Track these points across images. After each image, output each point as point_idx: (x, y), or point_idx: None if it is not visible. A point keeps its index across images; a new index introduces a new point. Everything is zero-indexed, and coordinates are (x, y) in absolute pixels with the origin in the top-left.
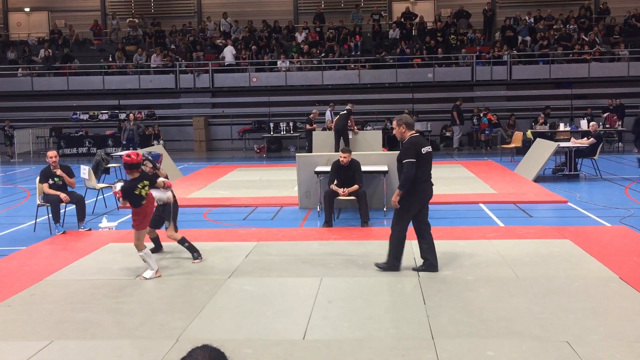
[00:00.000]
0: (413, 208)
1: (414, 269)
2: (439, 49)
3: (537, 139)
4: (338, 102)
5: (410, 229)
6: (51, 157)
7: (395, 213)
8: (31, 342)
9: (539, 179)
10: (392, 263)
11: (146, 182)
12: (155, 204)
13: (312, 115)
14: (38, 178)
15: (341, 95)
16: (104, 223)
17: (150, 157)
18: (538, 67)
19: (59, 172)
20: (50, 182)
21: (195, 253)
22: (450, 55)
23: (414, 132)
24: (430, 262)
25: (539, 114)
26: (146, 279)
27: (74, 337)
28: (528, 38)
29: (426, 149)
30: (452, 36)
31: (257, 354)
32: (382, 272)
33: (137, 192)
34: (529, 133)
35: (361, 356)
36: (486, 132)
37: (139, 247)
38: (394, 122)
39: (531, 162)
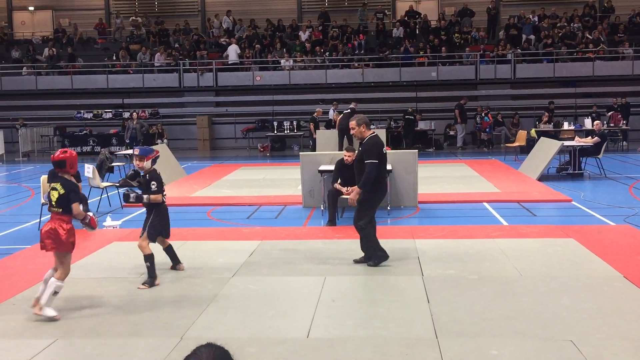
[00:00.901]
0: (376, 204)
1: (355, 261)
2: (443, 48)
3: (541, 138)
4: (342, 100)
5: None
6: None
7: (358, 210)
8: (36, 340)
9: (543, 177)
10: (379, 255)
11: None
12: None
13: (315, 114)
14: (45, 177)
15: (345, 94)
16: (108, 222)
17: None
18: (542, 65)
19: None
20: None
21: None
22: (454, 54)
23: (372, 131)
24: (367, 255)
25: (543, 113)
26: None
27: (78, 336)
28: (532, 36)
29: (384, 149)
30: (455, 35)
31: (261, 353)
32: (385, 270)
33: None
34: (533, 132)
35: (364, 355)
36: (486, 130)
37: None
38: (353, 122)
39: (535, 161)
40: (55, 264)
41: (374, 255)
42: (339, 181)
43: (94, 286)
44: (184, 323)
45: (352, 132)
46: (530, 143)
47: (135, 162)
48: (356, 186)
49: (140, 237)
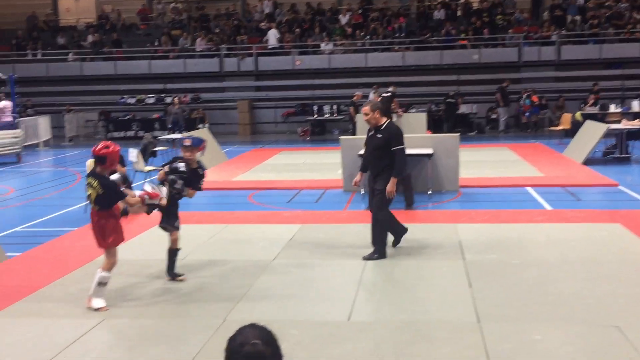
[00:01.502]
0: (396, 193)
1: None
2: (485, 30)
3: (587, 121)
4: (382, 84)
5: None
6: None
7: (381, 199)
8: (84, 320)
9: (588, 161)
10: (383, 252)
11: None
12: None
13: (355, 98)
14: (91, 161)
15: (385, 77)
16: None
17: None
18: (588, 47)
19: None
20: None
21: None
22: (496, 36)
23: (387, 118)
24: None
25: (589, 95)
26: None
27: (124, 316)
28: (578, 17)
29: None
30: (498, 16)
31: (303, 335)
32: (426, 254)
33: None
34: (578, 115)
35: (405, 338)
36: (526, 114)
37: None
38: (367, 108)
39: (580, 145)
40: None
41: (379, 249)
42: None
43: (139, 268)
44: (226, 305)
45: (365, 118)
46: (575, 126)
47: (186, 153)
48: (391, 177)
49: (175, 230)
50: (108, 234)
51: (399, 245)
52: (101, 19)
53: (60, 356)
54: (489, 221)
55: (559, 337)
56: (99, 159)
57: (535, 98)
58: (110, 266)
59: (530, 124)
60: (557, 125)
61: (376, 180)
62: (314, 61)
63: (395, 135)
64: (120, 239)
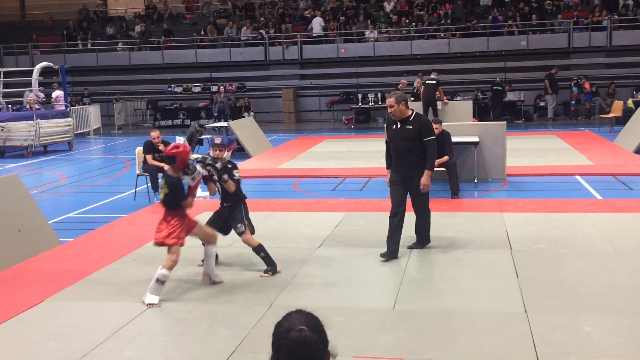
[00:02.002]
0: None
1: (409, 247)
2: (534, 15)
3: (639, 108)
4: (427, 72)
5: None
6: (154, 138)
7: (426, 195)
8: (135, 304)
9: None
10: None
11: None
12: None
13: (400, 86)
14: (140, 149)
15: (430, 65)
16: (199, 192)
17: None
18: None
19: (161, 146)
20: (153, 155)
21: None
22: (545, 22)
23: (412, 109)
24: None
25: None
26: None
27: (172, 300)
28: (630, 1)
29: None
30: (547, 1)
31: (348, 322)
32: (473, 244)
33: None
34: (630, 102)
35: (451, 327)
36: (573, 102)
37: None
38: (392, 99)
39: (632, 133)
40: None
41: (427, 237)
42: None
43: (185, 254)
44: (272, 292)
45: (390, 110)
46: (627, 114)
47: (215, 152)
48: (426, 170)
49: (241, 234)
50: (169, 233)
51: (448, 234)
52: (149, 9)
53: (111, 339)
54: (537, 210)
55: (609, 329)
56: (169, 159)
57: (587, 85)
58: (171, 264)
59: (583, 110)
60: (608, 112)
61: (414, 175)
62: (358, 49)
63: (426, 126)
64: (180, 239)
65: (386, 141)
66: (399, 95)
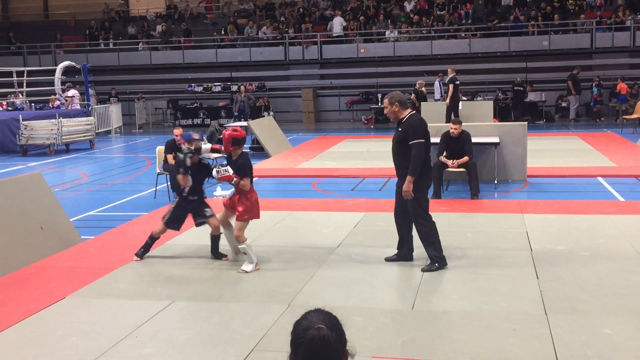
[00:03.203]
0: (427, 190)
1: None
2: (556, 15)
3: None
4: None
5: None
6: (177, 135)
7: (416, 205)
8: (154, 302)
9: None
10: (439, 258)
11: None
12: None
13: (418, 86)
14: (163, 147)
15: (450, 65)
16: (218, 192)
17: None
18: None
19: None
20: (174, 154)
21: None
22: (567, 22)
23: (410, 110)
24: (406, 252)
25: None
26: (246, 272)
27: (192, 299)
28: None
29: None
30: (570, 1)
31: (366, 322)
32: (492, 244)
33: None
34: None
35: (470, 328)
36: (591, 103)
37: (241, 238)
38: (386, 100)
39: None
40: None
41: (436, 258)
42: (444, 154)
43: (206, 252)
44: (290, 291)
45: (385, 112)
46: None
47: (192, 146)
48: (408, 175)
49: (211, 216)
50: (243, 210)
51: (468, 235)
52: (170, 9)
53: (131, 336)
54: (558, 212)
55: (630, 332)
56: (237, 142)
57: (621, 85)
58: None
59: (607, 111)
60: (631, 113)
61: (401, 180)
62: (378, 49)
63: (413, 129)
64: (251, 217)
65: None
66: (392, 96)
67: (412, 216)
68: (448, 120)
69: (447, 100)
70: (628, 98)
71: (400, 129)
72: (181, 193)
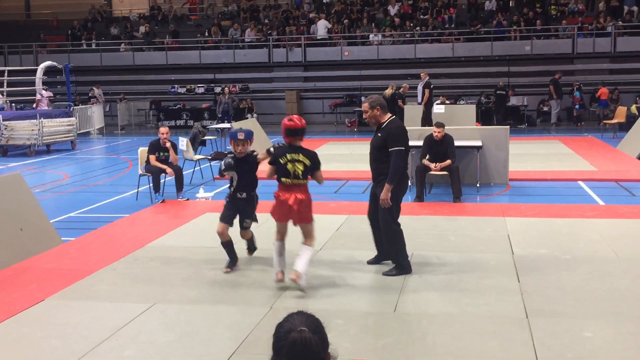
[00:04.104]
0: (401, 198)
1: (369, 262)
2: (538, 21)
3: None
4: (431, 76)
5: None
6: (163, 134)
7: (386, 211)
8: (135, 304)
9: None
10: (404, 265)
11: (304, 159)
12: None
13: (402, 90)
14: (145, 148)
15: (434, 69)
16: (201, 193)
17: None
18: None
19: (168, 144)
20: (157, 154)
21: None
22: (549, 27)
23: (390, 115)
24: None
25: None
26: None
27: (174, 301)
28: (635, 8)
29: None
30: (552, 7)
31: (348, 324)
32: (474, 248)
33: (281, 160)
34: (633, 108)
35: (451, 331)
36: (576, 107)
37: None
38: (366, 104)
39: (635, 139)
40: (281, 234)
41: (399, 263)
42: (427, 157)
43: (187, 254)
44: (272, 293)
45: (365, 116)
46: (630, 120)
47: (238, 148)
48: (386, 184)
49: (245, 229)
50: (311, 208)
51: (450, 239)
52: (153, 10)
53: (111, 338)
54: (539, 215)
55: (610, 335)
56: (296, 132)
57: (602, 91)
58: (313, 241)
59: (587, 116)
60: (612, 118)
61: (377, 187)
62: (362, 52)
63: (394, 135)
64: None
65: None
66: (373, 100)
67: (380, 220)
68: (424, 123)
69: (423, 104)
70: (609, 103)
71: (379, 135)
72: (230, 190)
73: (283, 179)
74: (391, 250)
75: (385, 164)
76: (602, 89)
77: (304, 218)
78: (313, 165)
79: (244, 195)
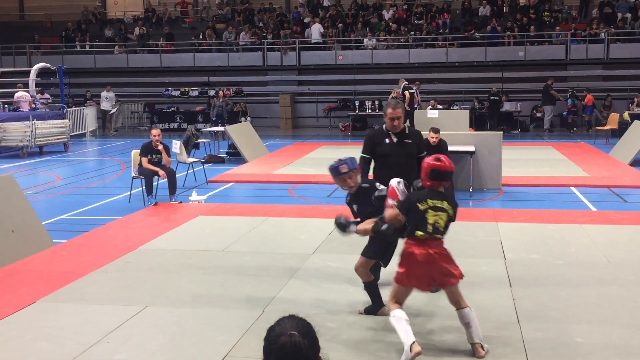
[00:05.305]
0: None
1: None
2: (532, 27)
3: (635, 121)
4: (425, 80)
5: None
6: (155, 136)
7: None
8: (126, 307)
9: (635, 162)
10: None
11: (448, 207)
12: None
13: (395, 94)
14: (138, 151)
15: (428, 73)
16: (194, 196)
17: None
18: (638, 45)
19: (160, 146)
20: (149, 157)
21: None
22: (543, 33)
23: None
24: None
25: (638, 95)
26: None
27: (165, 304)
28: (628, 15)
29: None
30: (545, 13)
31: (340, 329)
32: (466, 253)
33: (421, 207)
34: (626, 114)
35: (443, 335)
36: (564, 114)
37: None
38: (400, 110)
39: (628, 145)
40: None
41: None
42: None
43: (180, 257)
44: (265, 297)
45: (396, 122)
46: (623, 126)
47: (346, 183)
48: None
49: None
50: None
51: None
52: (148, 12)
53: (102, 342)
54: (531, 221)
55: (602, 340)
56: (445, 175)
57: (589, 97)
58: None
59: (581, 122)
60: (604, 124)
61: None
62: (356, 56)
63: (422, 139)
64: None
65: (366, 157)
66: (402, 105)
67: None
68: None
69: (407, 106)
70: (601, 109)
71: (409, 141)
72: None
73: (418, 233)
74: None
75: (416, 171)
76: (588, 96)
77: (450, 283)
78: (454, 217)
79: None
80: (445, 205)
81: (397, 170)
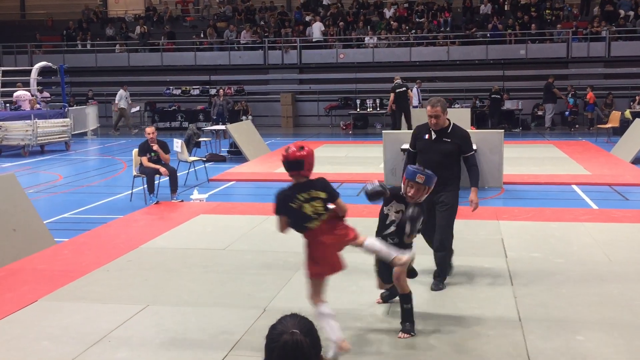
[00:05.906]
0: None
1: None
2: (533, 25)
3: (636, 119)
4: (425, 79)
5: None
6: (149, 133)
7: (452, 214)
8: (128, 306)
9: (636, 160)
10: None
11: (318, 194)
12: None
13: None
14: (136, 150)
15: (429, 72)
16: (195, 195)
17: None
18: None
19: (155, 147)
20: (149, 155)
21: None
22: (544, 31)
23: (447, 118)
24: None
25: (638, 93)
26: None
27: (167, 303)
28: (630, 13)
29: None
30: (547, 11)
31: (341, 327)
32: (468, 251)
33: (294, 205)
34: (627, 113)
35: (445, 334)
36: (566, 113)
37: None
38: (438, 108)
39: (629, 143)
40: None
41: (445, 270)
42: None
43: (181, 256)
44: (267, 295)
45: (436, 121)
46: (624, 124)
47: (410, 191)
48: (474, 187)
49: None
50: (351, 231)
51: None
52: (149, 10)
53: (104, 340)
54: (533, 219)
55: (603, 339)
56: (295, 165)
57: (590, 95)
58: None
59: (582, 120)
60: (606, 123)
61: (441, 193)
62: (357, 55)
63: (468, 139)
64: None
65: (410, 150)
66: (443, 103)
67: (444, 227)
68: (393, 128)
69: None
70: (602, 107)
71: (448, 140)
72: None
73: (310, 226)
74: (444, 261)
75: (453, 170)
76: (590, 93)
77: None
78: (330, 195)
79: (396, 240)
80: (316, 193)
81: (430, 167)
